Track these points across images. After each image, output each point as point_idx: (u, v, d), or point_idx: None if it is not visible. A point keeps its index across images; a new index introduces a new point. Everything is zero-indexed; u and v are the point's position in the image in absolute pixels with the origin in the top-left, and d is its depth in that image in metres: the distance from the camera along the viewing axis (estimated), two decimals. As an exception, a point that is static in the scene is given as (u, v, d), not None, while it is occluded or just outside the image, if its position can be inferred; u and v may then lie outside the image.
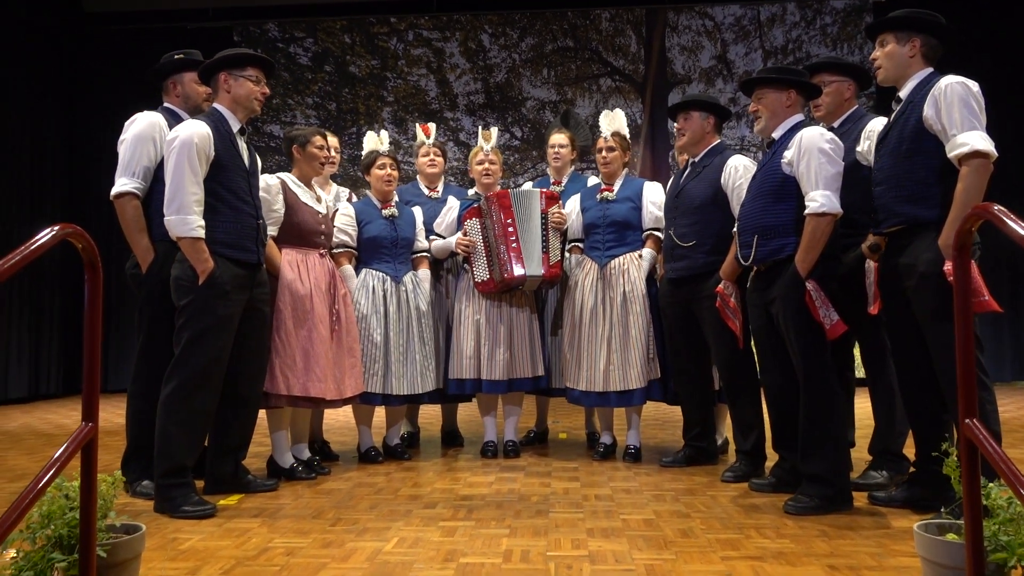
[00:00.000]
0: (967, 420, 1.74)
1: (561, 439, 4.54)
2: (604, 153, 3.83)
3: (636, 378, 3.62)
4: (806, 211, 2.72)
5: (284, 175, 3.45)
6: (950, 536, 1.86)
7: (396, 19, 7.95)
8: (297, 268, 3.34)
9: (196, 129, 2.85)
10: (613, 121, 3.90)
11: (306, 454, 3.53)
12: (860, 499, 2.89)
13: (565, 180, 4.28)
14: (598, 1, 7.84)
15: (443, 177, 4.38)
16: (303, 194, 3.45)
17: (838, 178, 2.73)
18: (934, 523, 1.97)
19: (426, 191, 4.28)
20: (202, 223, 2.83)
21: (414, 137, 4.30)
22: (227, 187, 2.93)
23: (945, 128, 2.48)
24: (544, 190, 4.01)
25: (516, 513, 2.75)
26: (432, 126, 4.34)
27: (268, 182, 3.33)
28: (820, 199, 2.69)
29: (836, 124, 3.25)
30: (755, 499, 2.95)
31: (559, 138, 4.28)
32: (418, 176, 4.35)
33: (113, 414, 5.58)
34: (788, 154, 2.81)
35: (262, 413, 3.42)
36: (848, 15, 7.69)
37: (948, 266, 2.42)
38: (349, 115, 7.86)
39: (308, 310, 3.29)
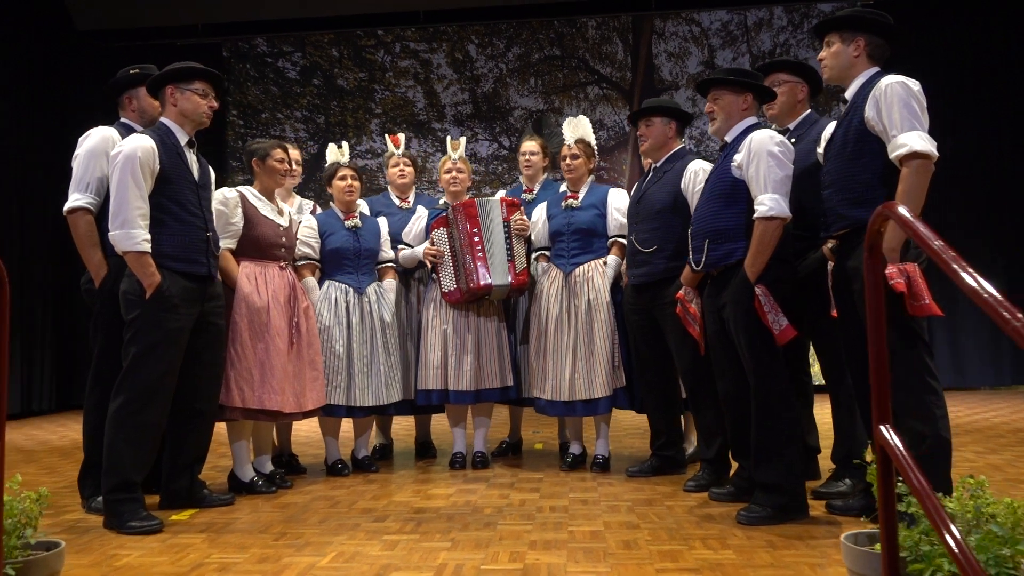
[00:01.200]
0: (880, 426, 1.69)
1: (537, 449, 4.49)
2: (568, 160, 3.81)
3: (601, 386, 3.57)
4: (755, 215, 2.68)
5: (244, 188, 3.45)
6: (877, 547, 1.81)
7: (383, 32, 7.98)
8: (255, 281, 3.33)
9: (140, 143, 2.85)
10: (577, 128, 3.88)
11: (268, 467, 3.51)
12: (821, 508, 2.84)
13: (537, 188, 4.25)
14: (584, 9, 7.84)
15: (414, 188, 4.37)
16: (263, 207, 3.44)
17: (787, 182, 2.68)
18: (864, 533, 1.92)
19: (397, 201, 4.27)
20: (147, 237, 2.83)
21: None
22: (174, 200, 2.93)
23: (886, 128, 2.43)
24: (505, 198, 3.99)
25: (464, 526, 2.71)
26: (401, 137, 4.33)
27: (226, 195, 3.33)
28: (768, 203, 2.65)
29: (791, 126, 3.22)
30: (712, 509, 2.90)
31: (530, 145, 4.25)
32: (389, 187, 4.35)
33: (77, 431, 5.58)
34: (738, 157, 2.77)
35: (223, 426, 3.42)
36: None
37: (891, 269, 2.36)
38: (338, 127, 7.88)
39: (265, 323, 3.28)
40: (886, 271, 2.37)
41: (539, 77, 7.85)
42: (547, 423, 5.51)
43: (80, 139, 3.20)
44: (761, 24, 7.71)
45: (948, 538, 1.32)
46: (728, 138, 2.89)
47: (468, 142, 7.40)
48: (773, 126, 3.37)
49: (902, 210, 1.55)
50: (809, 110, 3.24)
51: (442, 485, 3.46)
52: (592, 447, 3.85)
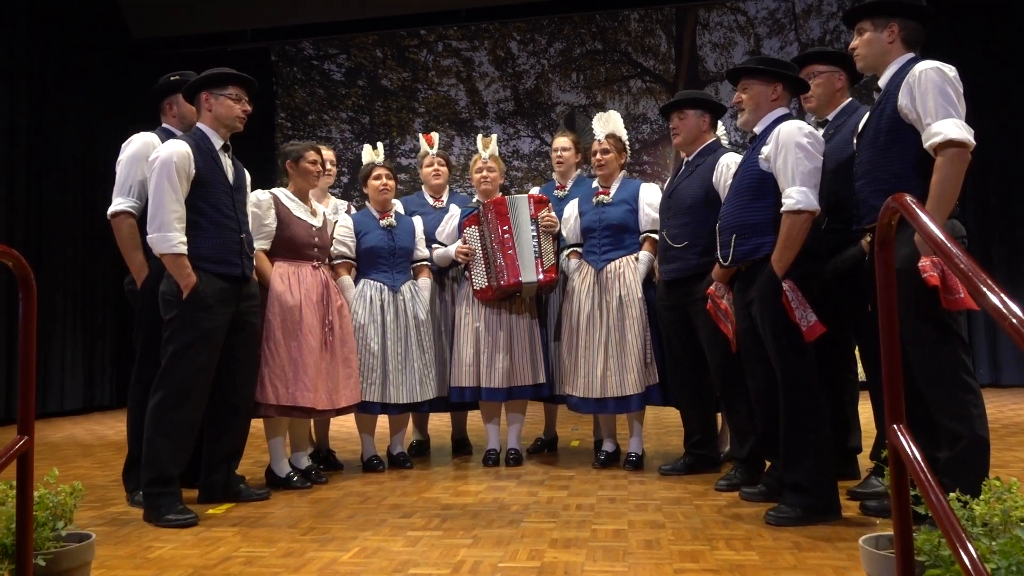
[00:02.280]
0: (893, 425, 1.63)
1: (573, 447, 4.47)
2: (599, 156, 3.78)
3: (633, 383, 3.54)
4: (782, 208, 2.61)
5: (277, 190, 3.53)
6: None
7: (426, 31, 8.05)
8: (288, 280, 3.40)
9: (176, 148, 2.94)
10: (607, 123, 3.84)
11: (304, 463, 3.58)
12: (856, 509, 2.76)
13: (569, 184, 4.23)
14: (627, 2, 7.75)
15: (448, 186, 4.40)
16: (296, 208, 3.52)
17: (816, 174, 2.61)
18: (887, 536, 1.85)
19: (431, 200, 4.31)
20: (183, 239, 2.92)
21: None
22: (209, 203, 3.01)
23: (920, 117, 2.34)
24: (532, 194, 3.98)
25: (488, 523, 2.72)
26: (435, 136, 4.37)
27: (259, 197, 3.41)
28: (796, 196, 2.57)
29: (830, 117, 3.13)
30: (742, 508, 2.84)
31: (562, 141, 4.23)
32: (423, 186, 4.38)
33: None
34: (766, 149, 2.71)
35: (260, 422, 3.51)
36: (890, 2, 7.36)
37: (924, 262, 2.28)
38: (382, 127, 7.99)
39: (297, 321, 3.35)
40: (919, 263, 2.29)
41: (581, 72, 7.81)
42: (585, 420, 5.48)
43: (123, 145, 3.32)
44: (810, 11, 7.50)
45: (962, 553, 1.27)
46: (757, 129, 2.82)
47: (510, 139, 7.43)
48: (813, 118, 3.29)
49: (911, 203, 1.50)
50: (849, 99, 3.14)
51: (473, 482, 3.48)
52: (626, 445, 3.82)
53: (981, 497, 1.79)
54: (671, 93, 7.64)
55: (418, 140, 7.66)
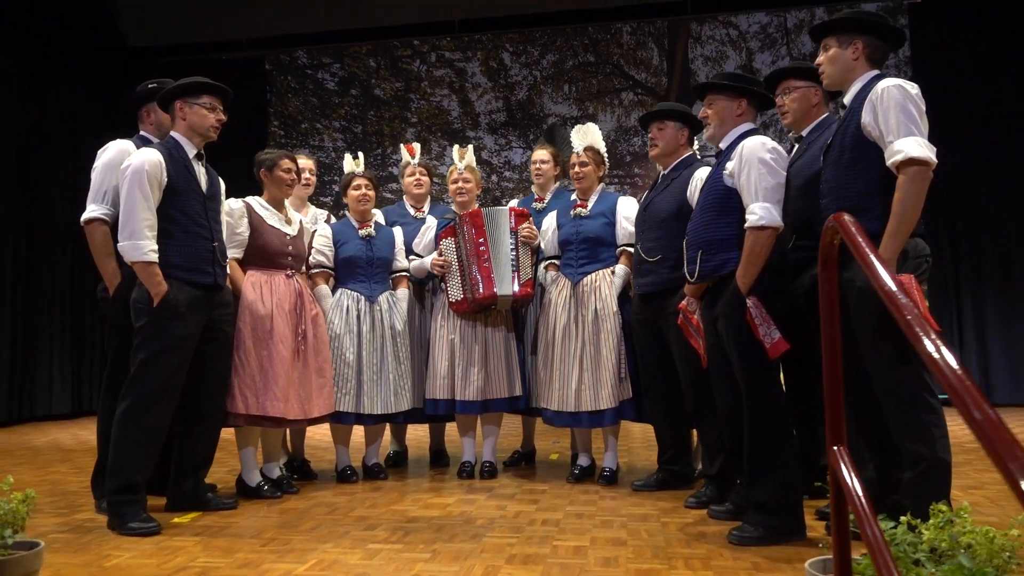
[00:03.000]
0: (833, 448, 1.62)
1: (552, 460, 4.45)
2: (577, 168, 3.78)
3: (607, 398, 3.53)
4: (745, 225, 2.61)
5: (251, 198, 3.53)
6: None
7: (419, 42, 8.08)
8: (260, 289, 3.40)
9: (147, 157, 2.95)
10: (586, 136, 3.84)
11: (276, 472, 3.57)
12: (823, 528, 2.73)
13: (548, 196, 4.23)
14: (619, 15, 7.78)
15: (429, 197, 4.40)
16: (269, 216, 3.52)
17: (779, 190, 2.60)
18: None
19: (412, 211, 4.31)
20: (154, 247, 2.92)
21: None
22: (181, 211, 3.02)
23: (883, 134, 2.33)
24: (514, 207, 3.98)
25: (451, 537, 2.70)
26: (417, 146, 4.38)
27: (231, 206, 3.41)
28: (759, 212, 2.57)
29: (805, 132, 3.12)
30: (708, 527, 2.82)
31: (541, 154, 4.24)
32: (405, 196, 4.38)
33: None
34: (730, 165, 2.70)
35: (232, 431, 3.50)
36: (882, 18, 7.37)
37: (884, 281, 2.26)
38: (374, 137, 8.01)
39: (268, 330, 3.34)
40: (879, 283, 2.27)
41: (573, 84, 7.83)
42: (566, 434, 5.46)
43: (99, 152, 3.32)
44: (802, 25, 7.51)
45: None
46: (723, 145, 2.82)
47: (502, 150, 7.43)
48: (791, 134, 3.29)
49: (849, 223, 1.49)
50: (826, 113, 3.14)
51: (444, 494, 3.46)
52: (602, 459, 3.80)
53: (931, 522, 1.77)
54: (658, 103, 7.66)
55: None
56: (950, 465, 2.28)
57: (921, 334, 1.04)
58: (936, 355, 0.99)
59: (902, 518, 1.83)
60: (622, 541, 2.62)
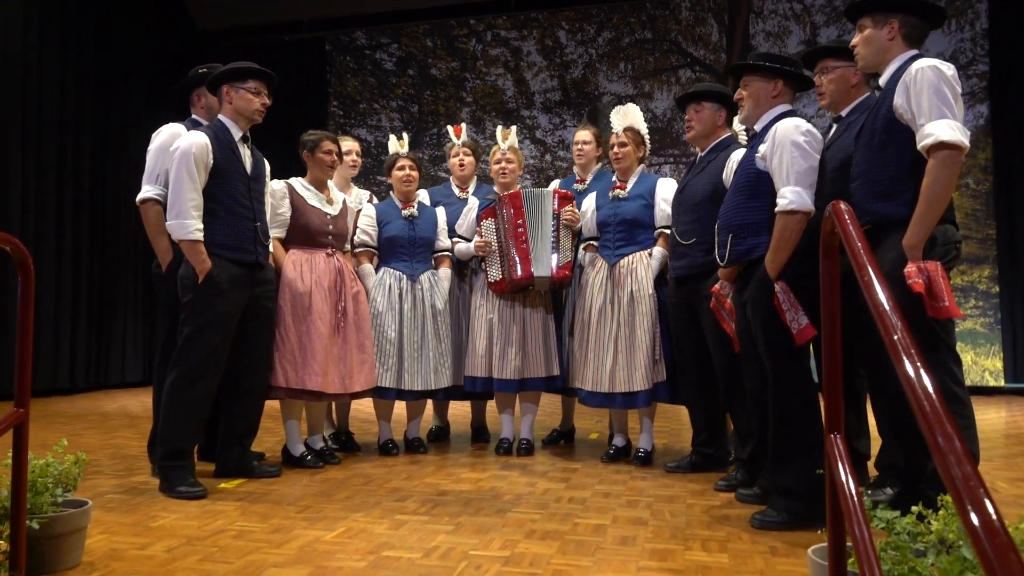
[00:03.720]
0: (830, 435, 1.61)
1: (591, 439, 4.49)
2: (616, 149, 3.76)
3: (641, 379, 3.54)
4: (776, 208, 2.57)
5: (294, 180, 3.66)
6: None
7: (475, 20, 8.10)
8: (300, 267, 3.52)
9: (194, 140, 3.09)
10: (626, 116, 3.82)
11: (320, 444, 3.72)
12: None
13: (590, 178, 4.23)
14: (678, -10, 7.61)
15: (475, 178, 4.45)
16: (311, 197, 3.63)
17: (811, 173, 2.55)
18: (839, 546, 1.82)
19: (457, 192, 4.37)
20: (200, 226, 3.06)
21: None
22: (226, 192, 3.15)
23: (915, 117, 2.26)
24: (558, 189, 3.99)
25: (476, 510, 2.78)
26: (463, 126, 4.42)
27: (274, 187, 3.54)
28: (790, 195, 2.52)
29: (844, 113, 3.03)
30: (734, 510, 2.82)
31: (583, 135, 4.23)
32: (451, 176, 4.45)
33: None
34: (763, 148, 2.66)
35: (274, 404, 3.66)
36: (956, -10, 7.02)
37: (909, 268, 2.21)
38: (430, 116, 8.10)
39: (307, 307, 3.47)
40: (905, 270, 2.23)
41: (629, 62, 7.73)
42: (607, 414, 5.49)
43: (153, 135, 3.49)
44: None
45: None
46: (757, 127, 2.78)
47: (556, 128, 7.42)
48: (830, 114, 3.21)
49: (844, 213, 1.47)
50: (867, 93, 3.04)
51: (478, 469, 3.55)
52: (638, 440, 3.82)
53: (940, 513, 1.74)
54: (722, 83, 7.49)
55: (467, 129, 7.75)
56: (976, 456, 2.22)
57: (903, 354, 1.02)
58: (913, 376, 0.98)
59: (913, 508, 1.81)
60: (643, 521, 2.65)
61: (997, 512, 0.75)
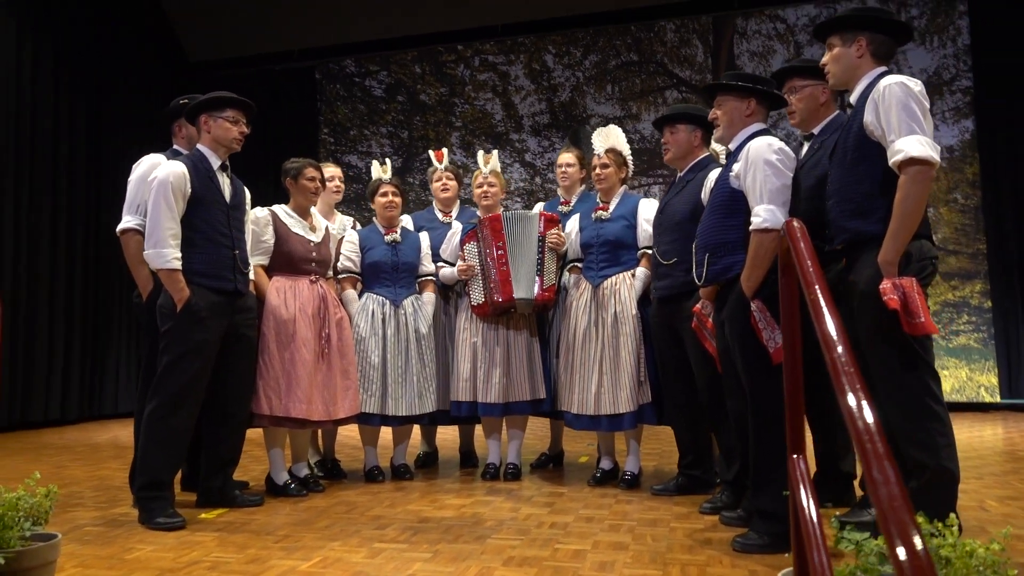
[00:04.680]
0: (792, 456, 1.59)
1: (580, 462, 4.45)
2: (598, 170, 3.77)
3: (626, 401, 3.51)
4: (750, 227, 2.56)
5: (277, 207, 3.66)
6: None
7: (463, 46, 8.18)
8: (284, 294, 3.51)
9: (172, 169, 3.09)
10: (608, 138, 3.84)
11: (304, 471, 3.69)
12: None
13: (574, 199, 4.24)
14: (663, 13, 7.69)
15: (458, 201, 4.46)
16: (294, 224, 3.64)
17: (785, 191, 2.55)
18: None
19: (440, 216, 4.37)
20: (178, 255, 3.06)
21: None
22: (204, 221, 3.15)
23: (884, 133, 2.27)
24: (544, 212, 3.99)
25: (456, 537, 2.75)
26: (445, 151, 4.43)
27: (257, 214, 3.54)
28: (763, 214, 2.52)
29: (815, 131, 3.05)
30: (718, 533, 2.79)
31: (566, 157, 4.25)
32: (434, 201, 4.45)
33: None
34: (736, 167, 2.66)
35: (260, 432, 3.63)
36: (938, 6, 7.08)
37: (884, 284, 2.20)
38: (420, 142, 8.14)
39: (291, 334, 3.46)
40: (880, 286, 2.22)
41: (616, 84, 7.78)
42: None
43: (134, 166, 3.50)
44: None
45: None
46: (732, 146, 2.78)
47: (545, 151, 7.45)
48: (800, 133, 3.22)
49: (796, 231, 1.46)
50: (836, 112, 3.06)
51: (462, 495, 3.51)
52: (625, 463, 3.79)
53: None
54: (708, 103, 7.53)
55: (455, 154, 7.78)
56: (955, 475, 2.20)
57: (847, 387, 1.00)
58: (855, 410, 0.96)
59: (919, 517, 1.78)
60: (624, 546, 2.61)
61: (924, 547, 0.73)
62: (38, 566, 2.12)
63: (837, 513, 2.89)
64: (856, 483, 3.07)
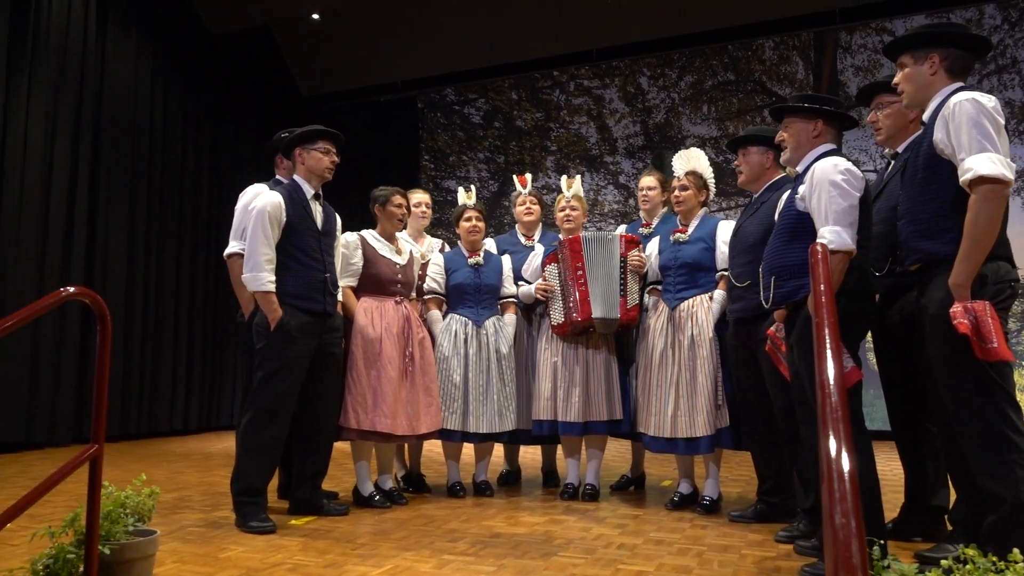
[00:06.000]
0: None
1: (664, 486, 4.41)
2: (677, 192, 3.79)
3: (703, 425, 3.48)
4: (817, 249, 2.52)
5: (366, 232, 3.88)
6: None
7: (558, 72, 8.32)
8: (371, 315, 3.72)
9: (270, 199, 3.35)
10: (688, 161, 3.85)
11: (389, 484, 3.86)
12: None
13: (655, 222, 4.25)
14: (761, 31, 7.55)
15: (539, 225, 4.56)
16: (381, 248, 3.84)
17: (851, 212, 2.49)
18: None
19: (523, 239, 4.49)
20: (272, 279, 3.31)
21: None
22: (298, 247, 3.39)
23: (955, 151, 2.19)
24: (624, 234, 4.03)
25: (523, 553, 2.81)
26: (528, 176, 4.56)
27: (347, 239, 3.77)
28: (829, 235, 2.47)
29: (900, 148, 2.95)
30: (789, 562, 2.72)
31: (648, 180, 4.27)
32: (517, 225, 4.58)
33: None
34: (802, 189, 2.63)
35: (347, 445, 3.83)
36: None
37: (955, 308, 2.12)
38: (516, 166, 8.33)
39: (377, 352, 3.64)
40: (951, 309, 2.14)
41: (712, 104, 7.70)
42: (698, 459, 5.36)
43: (240, 195, 3.82)
44: (970, 25, 6.89)
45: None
46: (799, 168, 2.74)
47: (639, 172, 7.46)
48: (887, 151, 3.13)
49: (819, 254, 1.46)
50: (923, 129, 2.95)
51: (537, 514, 3.57)
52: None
53: (967, 568, 1.65)
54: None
55: (550, 178, 7.90)
56: (1035, 511, 2.07)
57: (830, 431, 1.00)
58: (833, 454, 0.97)
59: (943, 562, 1.72)
60: (688, 569, 2.60)
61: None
62: (139, 558, 2.36)
63: (923, 548, 2.76)
64: (946, 517, 2.91)
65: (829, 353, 1.11)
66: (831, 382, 1.05)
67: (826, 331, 1.16)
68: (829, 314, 1.21)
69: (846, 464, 0.92)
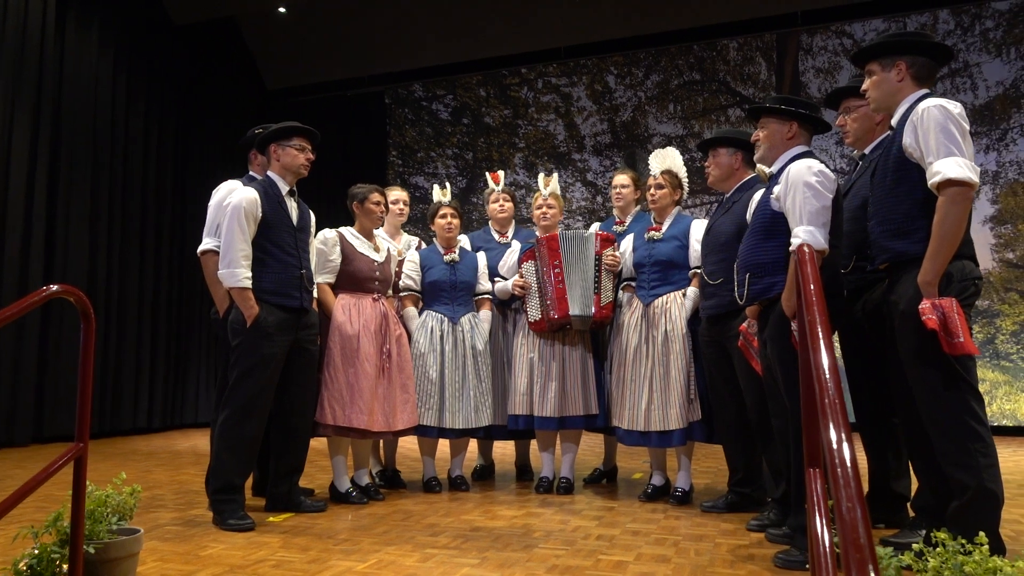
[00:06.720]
0: (809, 469, 1.65)
1: (635, 479, 4.50)
2: (652, 191, 3.86)
3: (676, 418, 3.57)
4: (790, 248, 2.61)
5: (344, 228, 3.88)
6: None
7: (526, 69, 8.37)
8: (349, 311, 3.72)
9: (245, 195, 3.33)
10: (664, 160, 3.92)
11: (365, 480, 3.87)
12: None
13: (629, 219, 4.32)
14: (726, 31, 7.70)
15: (513, 222, 4.60)
16: (360, 245, 3.85)
17: (824, 212, 2.58)
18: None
19: (496, 236, 4.52)
20: (248, 275, 3.29)
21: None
22: (273, 242, 3.38)
23: (923, 155, 2.29)
24: (599, 232, 4.09)
25: (504, 546, 2.86)
26: (501, 173, 4.59)
27: (326, 235, 3.77)
28: (803, 235, 2.56)
29: (867, 151, 3.07)
30: (762, 550, 2.81)
31: (621, 179, 4.34)
32: (490, 221, 4.61)
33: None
34: (777, 189, 2.71)
35: (324, 441, 3.83)
36: (1015, 16, 6.88)
37: (923, 304, 2.22)
38: (484, 163, 8.35)
39: (355, 349, 3.65)
40: (919, 306, 2.24)
41: (678, 103, 7.82)
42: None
43: (213, 192, 3.78)
44: (923, 30, 7.12)
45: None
46: (773, 168, 2.83)
47: (607, 171, 7.57)
48: (855, 152, 3.24)
49: (805, 254, 1.53)
50: (888, 132, 3.07)
51: (514, 507, 3.62)
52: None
53: (936, 551, 1.74)
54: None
55: (518, 175, 7.94)
56: (998, 496, 2.19)
57: (831, 422, 1.06)
58: (835, 445, 1.02)
59: (915, 545, 1.81)
60: (666, 559, 2.67)
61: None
62: (123, 557, 2.34)
63: (887, 534, 2.87)
64: (909, 505, 3.03)
65: (823, 347, 1.17)
66: (827, 375, 1.11)
67: (819, 327, 1.22)
68: (820, 309, 1.27)
69: (847, 453, 0.98)
